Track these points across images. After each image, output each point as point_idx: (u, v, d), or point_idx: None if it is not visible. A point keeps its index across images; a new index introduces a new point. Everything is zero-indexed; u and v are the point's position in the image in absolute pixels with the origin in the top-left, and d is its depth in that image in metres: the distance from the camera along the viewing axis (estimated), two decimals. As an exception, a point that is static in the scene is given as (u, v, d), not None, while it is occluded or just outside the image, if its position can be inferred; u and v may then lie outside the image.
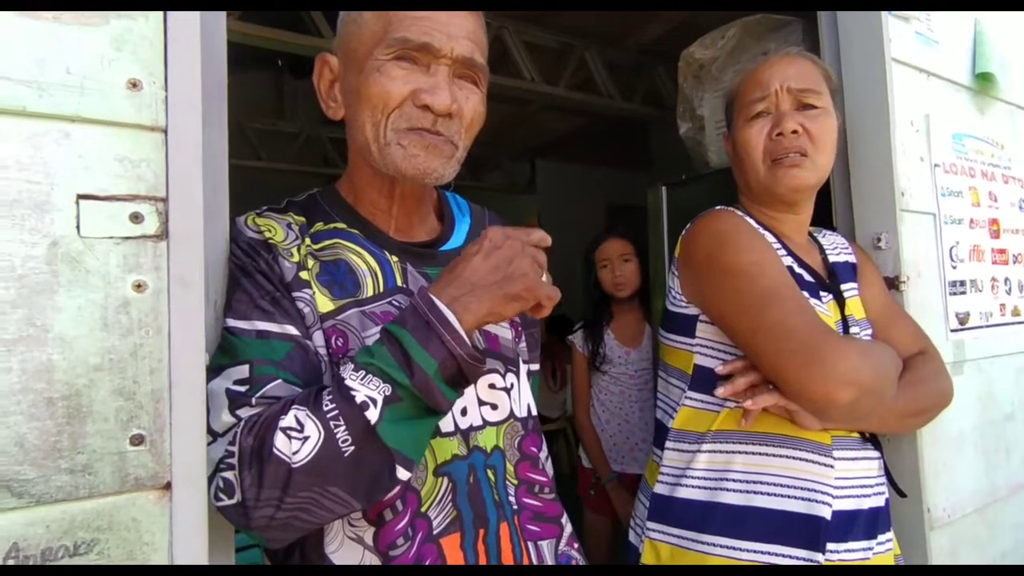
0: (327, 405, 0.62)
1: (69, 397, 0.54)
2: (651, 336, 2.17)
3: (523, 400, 0.89)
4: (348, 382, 0.63)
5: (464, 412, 0.80)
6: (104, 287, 0.56)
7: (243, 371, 0.67)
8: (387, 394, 0.62)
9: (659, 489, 1.08)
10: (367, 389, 0.62)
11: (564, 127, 4.99)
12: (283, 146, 5.02)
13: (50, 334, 0.54)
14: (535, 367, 1.03)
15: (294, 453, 0.60)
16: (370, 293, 0.78)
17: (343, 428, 0.61)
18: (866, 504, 1.00)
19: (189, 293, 0.59)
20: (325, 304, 0.76)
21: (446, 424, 0.78)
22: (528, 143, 5.44)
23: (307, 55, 3.10)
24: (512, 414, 0.85)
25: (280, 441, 0.61)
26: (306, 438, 0.61)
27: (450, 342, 0.64)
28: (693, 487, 1.03)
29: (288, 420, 0.62)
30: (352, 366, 0.64)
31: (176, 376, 0.57)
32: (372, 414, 0.62)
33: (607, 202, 5.63)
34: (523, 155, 5.78)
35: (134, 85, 0.58)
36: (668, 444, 1.09)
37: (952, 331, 1.36)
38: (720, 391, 0.98)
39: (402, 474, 0.65)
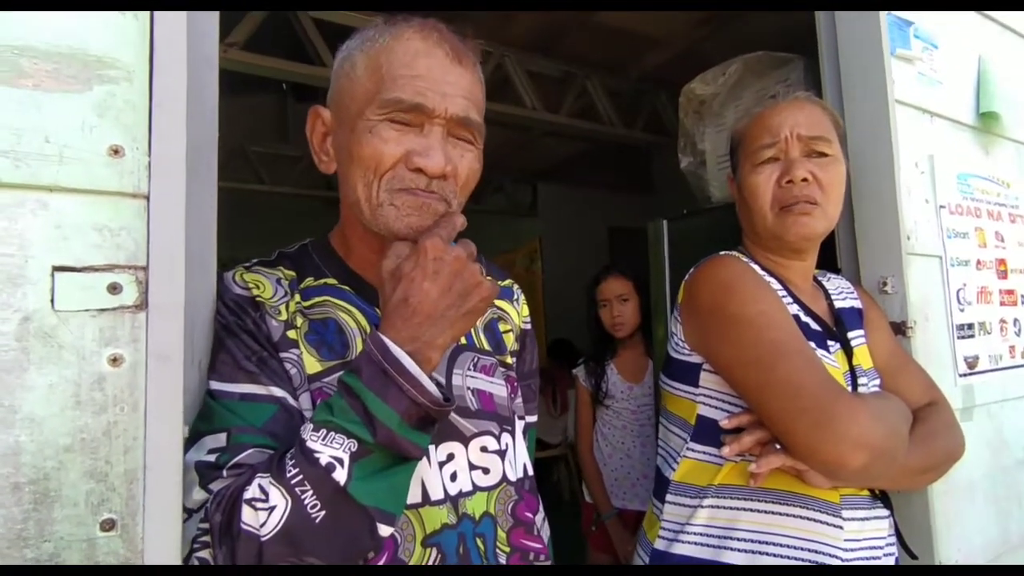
0: (290, 471, 0.59)
1: (36, 481, 0.51)
2: (653, 371, 2.14)
3: (518, 461, 0.85)
4: (309, 443, 0.60)
5: (454, 477, 0.77)
6: (78, 363, 0.54)
7: (220, 439, 0.65)
8: (353, 450, 0.59)
9: (659, 545, 1.04)
10: (331, 449, 0.59)
11: (566, 151, 5.01)
12: (285, 169, 5.04)
13: (18, 415, 0.51)
14: (532, 419, 1.00)
15: (261, 525, 0.57)
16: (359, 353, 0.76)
17: (310, 492, 0.58)
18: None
19: (168, 367, 0.56)
20: (313, 365, 0.73)
21: (435, 491, 0.75)
22: (530, 167, 5.46)
23: (310, 84, 3.12)
24: (505, 478, 0.82)
25: (247, 514, 0.58)
26: (272, 508, 0.58)
27: (410, 391, 0.60)
28: (693, 543, 1.00)
29: (252, 491, 0.59)
30: (312, 426, 0.61)
31: (151, 456, 0.55)
32: (340, 475, 0.59)
33: (608, 225, 5.63)
34: (525, 178, 5.79)
35: (116, 152, 0.56)
36: (669, 497, 1.06)
37: (961, 376, 1.32)
38: (726, 450, 0.94)
39: (384, 531, 0.62)
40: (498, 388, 0.86)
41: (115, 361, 0.55)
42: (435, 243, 0.65)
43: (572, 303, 3.40)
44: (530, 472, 0.88)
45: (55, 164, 0.54)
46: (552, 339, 4.80)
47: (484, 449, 0.81)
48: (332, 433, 0.60)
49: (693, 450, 1.03)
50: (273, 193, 5.03)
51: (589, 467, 2.20)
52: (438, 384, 0.64)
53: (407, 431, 0.60)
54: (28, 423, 0.51)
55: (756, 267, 1.06)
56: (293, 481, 0.58)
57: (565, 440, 4.47)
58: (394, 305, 0.64)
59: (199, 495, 0.62)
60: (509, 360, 0.92)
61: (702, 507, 0.99)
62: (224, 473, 0.63)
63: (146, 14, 0.59)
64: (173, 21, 0.61)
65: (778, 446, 0.92)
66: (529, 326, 1.00)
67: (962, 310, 1.35)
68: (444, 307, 0.63)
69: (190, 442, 0.65)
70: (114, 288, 0.55)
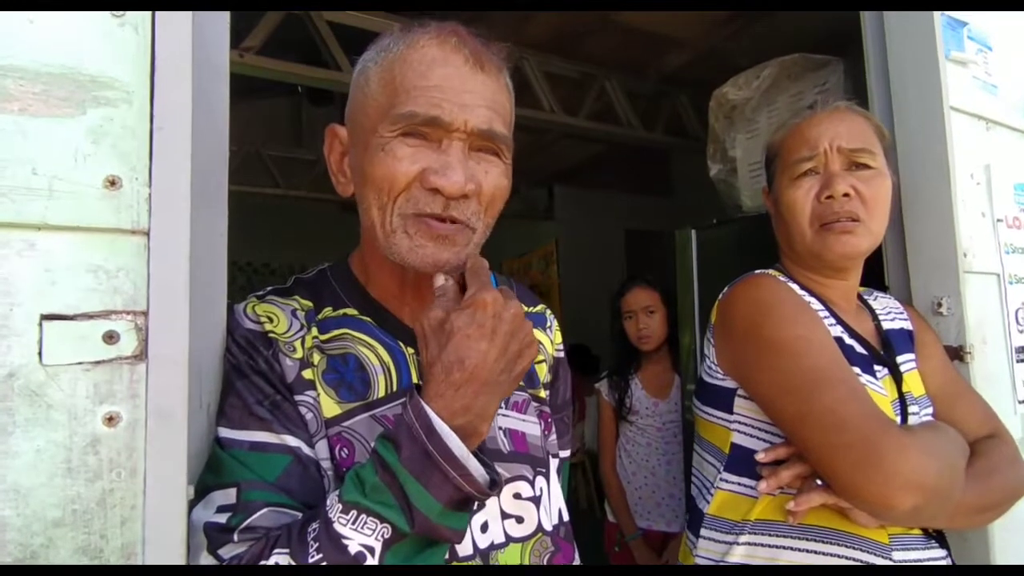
0: (314, 556, 0.52)
1: (23, 561, 0.45)
2: (680, 386, 2.06)
3: (554, 507, 0.79)
4: (337, 527, 0.53)
5: (484, 528, 0.70)
6: (69, 423, 0.47)
7: (229, 495, 0.58)
8: (386, 537, 0.53)
9: (696, 584, 0.97)
10: (362, 535, 0.52)
11: (583, 154, 4.93)
12: (300, 173, 5.01)
13: (2, 486, 0.45)
14: (566, 453, 0.93)
15: None
16: (382, 394, 0.69)
17: None
18: (938, 618, 0.88)
19: (170, 426, 0.50)
20: (331, 408, 0.67)
21: (464, 546, 0.68)
22: (546, 169, 5.39)
23: (326, 88, 3.08)
24: (540, 527, 0.75)
25: None
26: None
27: (456, 479, 0.53)
28: None
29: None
30: (340, 506, 0.54)
31: (151, 528, 0.49)
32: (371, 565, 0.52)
33: (625, 228, 5.55)
34: (541, 181, 5.72)
35: (112, 183, 0.50)
36: (703, 531, 0.99)
37: (1020, 403, 1.23)
38: (763, 486, 0.88)
39: None
40: (531, 426, 0.79)
41: (111, 420, 0.49)
42: (496, 298, 0.58)
43: (589, 306, 3.34)
44: (565, 517, 0.81)
45: (44, 199, 0.48)
46: (569, 344, 4.73)
47: (518, 496, 0.74)
48: (364, 516, 0.53)
49: (727, 481, 0.97)
50: (288, 197, 4.99)
51: (612, 486, 2.13)
52: (484, 463, 0.57)
53: (447, 517, 0.54)
54: (13, 495, 0.45)
55: (795, 286, 1.00)
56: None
57: (582, 447, 4.39)
58: (445, 367, 0.56)
59: (207, 561, 0.56)
60: (542, 394, 0.85)
61: (738, 544, 0.93)
62: (235, 537, 0.56)
63: (147, 27, 0.53)
64: (177, 33, 0.55)
65: (819, 481, 0.86)
66: (562, 354, 0.93)
67: (1021, 331, 1.26)
68: (499, 371, 0.56)
69: (197, 497, 0.59)
70: (110, 337, 0.49)
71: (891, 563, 0.87)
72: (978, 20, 1.31)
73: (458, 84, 0.65)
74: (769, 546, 0.91)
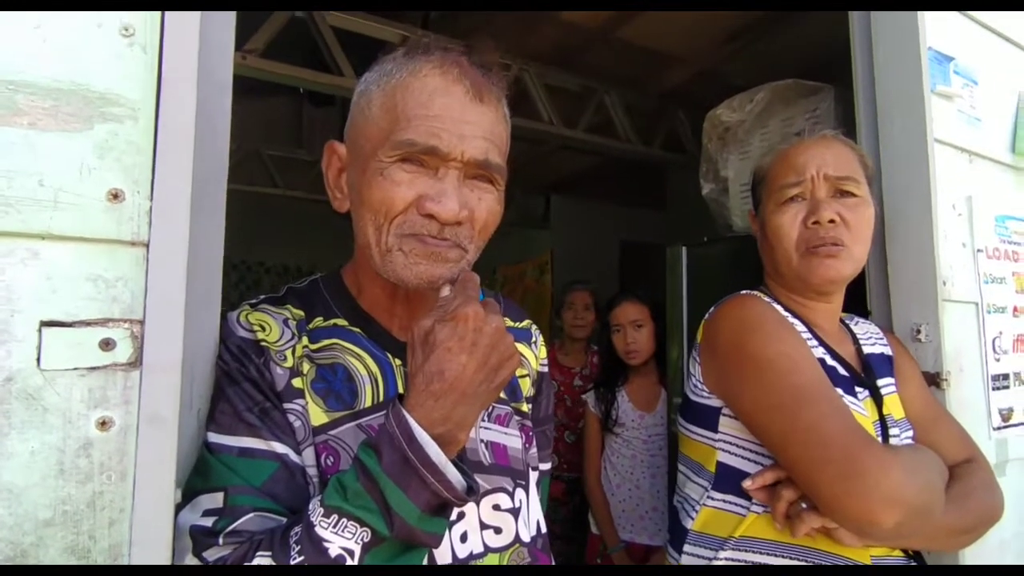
0: (295, 557, 0.54)
1: (12, 560, 0.47)
2: (666, 401, 2.08)
3: (532, 519, 0.81)
4: (319, 530, 0.55)
5: (464, 538, 0.72)
6: (63, 427, 0.49)
7: (216, 499, 0.60)
8: (366, 540, 0.55)
9: (675, 604, 0.99)
10: (342, 539, 0.54)
11: (580, 165, 4.97)
12: (300, 173, 5.02)
13: (-4, 486, 0.47)
14: (546, 466, 0.95)
15: None
16: (368, 403, 0.71)
17: None
18: (909, 640, 0.90)
19: (161, 432, 0.52)
20: (318, 416, 0.69)
21: (443, 554, 0.70)
22: (543, 179, 5.42)
23: (327, 92, 3.10)
24: (518, 538, 0.77)
25: None
26: None
27: (434, 484, 0.55)
28: None
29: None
30: (322, 510, 0.56)
31: (138, 530, 0.50)
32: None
33: (620, 239, 5.58)
34: (538, 190, 5.75)
35: (115, 196, 0.52)
36: (687, 548, 1.00)
37: (995, 429, 1.26)
38: (778, 523, 0.89)
39: None
40: (513, 440, 0.81)
41: (104, 425, 0.50)
42: (477, 312, 0.60)
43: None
44: (543, 529, 0.84)
45: (49, 210, 0.50)
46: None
47: (497, 507, 0.76)
48: (344, 520, 0.55)
49: (713, 498, 0.99)
50: (287, 197, 5.00)
51: (597, 498, 2.14)
52: (463, 470, 0.59)
53: (426, 522, 0.56)
54: (6, 494, 0.47)
55: (779, 307, 1.02)
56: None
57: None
58: (426, 378, 0.58)
59: (191, 563, 0.58)
60: (524, 407, 0.87)
61: (717, 559, 0.94)
62: (220, 540, 0.58)
63: (155, 47, 0.55)
64: (183, 54, 0.57)
65: (804, 504, 0.87)
66: (546, 368, 0.96)
67: (998, 360, 1.29)
68: (478, 383, 0.59)
69: (184, 500, 0.60)
70: (107, 344, 0.51)
71: None
72: (965, 55, 1.35)
73: (458, 115, 0.67)
74: (748, 562, 0.92)
